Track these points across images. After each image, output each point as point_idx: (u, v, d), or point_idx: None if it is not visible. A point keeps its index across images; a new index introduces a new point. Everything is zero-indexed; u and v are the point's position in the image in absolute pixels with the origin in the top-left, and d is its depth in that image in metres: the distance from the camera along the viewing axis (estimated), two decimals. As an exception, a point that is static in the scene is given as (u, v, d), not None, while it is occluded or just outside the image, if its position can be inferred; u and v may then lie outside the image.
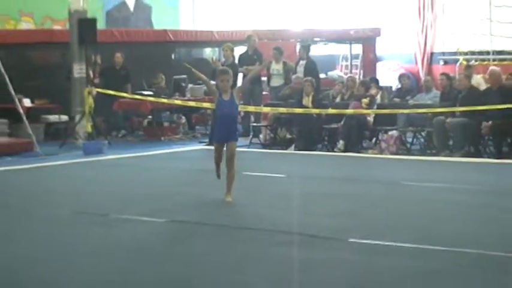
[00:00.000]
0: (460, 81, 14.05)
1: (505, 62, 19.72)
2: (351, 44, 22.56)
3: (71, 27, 15.56)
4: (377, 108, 14.50)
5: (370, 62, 21.99)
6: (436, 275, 5.83)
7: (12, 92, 14.19)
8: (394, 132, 13.87)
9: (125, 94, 16.14)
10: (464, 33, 21.22)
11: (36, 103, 16.62)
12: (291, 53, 18.67)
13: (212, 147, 9.55)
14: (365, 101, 14.48)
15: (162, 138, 16.61)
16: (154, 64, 18.23)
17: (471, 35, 21.07)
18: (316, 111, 14.42)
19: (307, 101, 14.59)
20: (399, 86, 16.85)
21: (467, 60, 20.31)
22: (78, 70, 15.44)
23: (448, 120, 13.25)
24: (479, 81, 15.70)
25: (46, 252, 6.73)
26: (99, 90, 15.44)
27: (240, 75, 15.26)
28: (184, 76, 17.68)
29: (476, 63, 19.92)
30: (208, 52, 21.31)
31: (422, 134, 14.17)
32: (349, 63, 22.90)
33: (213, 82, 9.79)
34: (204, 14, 25.12)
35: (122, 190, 10.07)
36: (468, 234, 7.15)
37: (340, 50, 23.20)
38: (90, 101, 14.89)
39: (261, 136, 15.65)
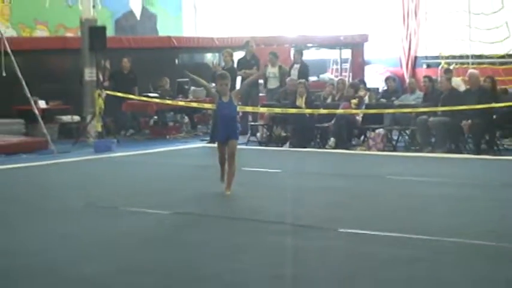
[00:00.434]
0: (442, 83, 14.04)
1: (483, 66, 19.68)
2: (340, 49, 22.50)
3: (82, 34, 15.52)
4: (365, 108, 14.48)
5: (358, 65, 21.95)
6: (420, 262, 5.84)
7: (29, 95, 14.18)
8: (381, 131, 13.85)
9: (132, 96, 16.12)
10: (445, 39, 21.19)
11: (51, 105, 16.57)
12: (286, 58, 18.63)
13: (213, 145, 9.55)
14: (354, 101, 14.47)
15: (167, 136, 16.58)
16: (159, 68, 18.19)
17: (452, 41, 21.03)
18: (309, 111, 14.41)
19: (300, 101, 14.57)
20: (385, 87, 16.81)
21: (448, 64, 20.32)
22: (89, 74, 15.40)
23: (431, 119, 13.24)
24: (459, 83, 15.69)
25: (58, 242, 6.73)
26: (109, 92, 15.40)
27: (239, 79, 15.24)
28: (187, 79, 17.67)
29: (457, 66, 19.91)
30: (209, 57, 21.25)
31: (407, 132, 14.15)
32: (339, 66, 22.83)
33: (213, 84, 9.79)
34: (206, 22, 25.08)
35: (129, 185, 10.07)
36: (450, 225, 7.15)
37: (331, 54, 23.14)
38: (100, 102, 14.87)
39: (258, 134, 15.63)
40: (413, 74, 21.08)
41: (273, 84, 16.77)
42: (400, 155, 13.10)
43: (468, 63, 20.31)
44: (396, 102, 14.72)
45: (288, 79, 15.85)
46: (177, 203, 8.52)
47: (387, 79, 16.75)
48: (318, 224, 7.19)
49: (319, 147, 14.31)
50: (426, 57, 21.99)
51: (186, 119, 17.83)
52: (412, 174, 10.55)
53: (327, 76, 21.38)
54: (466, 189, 9.26)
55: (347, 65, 22.49)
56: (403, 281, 5.38)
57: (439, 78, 15.23)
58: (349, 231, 6.86)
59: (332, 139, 14.06)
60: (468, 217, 7.57)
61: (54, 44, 17.45)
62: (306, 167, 11.66)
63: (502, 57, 20.37)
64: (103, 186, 9.97)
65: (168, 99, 16.05)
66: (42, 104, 16.01)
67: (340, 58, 22.79)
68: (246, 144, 14.86)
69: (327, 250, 6.27)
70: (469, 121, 12.73)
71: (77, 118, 16.33)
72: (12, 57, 14.11)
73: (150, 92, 17.18)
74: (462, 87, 14.86)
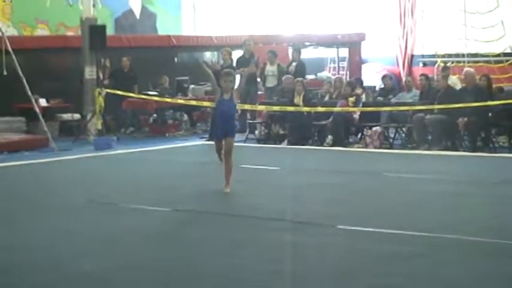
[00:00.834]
0: (438, 81, 14.05)
1: (479, 64, 19.69)
2: (338, 47, 22.52)
3: (82, 33, 15.51)
4: (362, 106, 14.47)
5: (355, 64, 21.96)
6: (419, 258, 5.83)
7: (29, 93, 14.17)
8: (378, 128, 13.85)
9: (132, 94, 16.10)
10: (441, 38, 21.18)
11: (52, 103, 16.57)
12: (284, 56, 18.62)
13: (212, 143, 9.57)
14: (351, 99, 14.47)
15: (166, 134, 16.58)
16: (159, 67, 18.19)
17: (448, 39, 21.04)
18: (307, 109, 14.40)
19: (298, 99, 14.58)
20: (382, 86, 16.81)
21: (445, 62, 20.30)
22: (90, 73, 15.39)
23: (427, 117, 13.23)
24: (455, 81, 15.66)
25: (60, 238, 6.72)
26: (109, 90, 15.39)
27: (237, 77, 15.19)
28: (186, 77, 17.67)
29: (453, 65, 19.88)
30: (208, 56, 21.24)
31: (404, 129, 14.15)
32: (336, 65, 22.84)
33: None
34: (204, 21, 25.06)
35: (129, 182, 10.06)
36: (447, 221, 7.15)
37: (329, 53, 23.16)
38: (100, 100, 14.86)
39: (256, 132, 15.63)
40: (409, 73, 21.06)
41: (271, 82, 16.75)
42: (397, 153, 13.10)
43: (464, 62, 20.32)
44: (393, 100, 14.73)
45: (283, 77, 15.85)
46: (176, 200, 8.51)
47: (384, 77, 16.76)
48: (316, 221, 7.19)
49: (317, 145, 14.31)
50: (422, 56, 22.01)
51: (185, 117, 17.82)
52: (408, 171, 10.55)
53: (324, 74, 21.37)
54: (462, 186, 9.26)
55: (344, 64, 22.52)
56: (401, 277, 5.37)
57: (435, 77, 15.23)
58: (347, 228, 6.86)
59: (329, 137, 14.05)
60: (465, 213, 7.57)
61: (54, 43, 17.44)
62: (304, 164, 11.66)
63: (498, 55, 20.38)
64: (103, 183, 9.97)
65: (168, 98, 16.04)
66: (43, 102, 16.01)
67: (338, 56, 22.82)
68: (245, 141, 14.85)
69: (326, 246, 6.27)
70: (465, 119, 12.73)
71: (77, 116, 16.33)
72: (13, 56, 14.10)
73: (149, 90, 17.19)
74: (458, 86, 14.84)
